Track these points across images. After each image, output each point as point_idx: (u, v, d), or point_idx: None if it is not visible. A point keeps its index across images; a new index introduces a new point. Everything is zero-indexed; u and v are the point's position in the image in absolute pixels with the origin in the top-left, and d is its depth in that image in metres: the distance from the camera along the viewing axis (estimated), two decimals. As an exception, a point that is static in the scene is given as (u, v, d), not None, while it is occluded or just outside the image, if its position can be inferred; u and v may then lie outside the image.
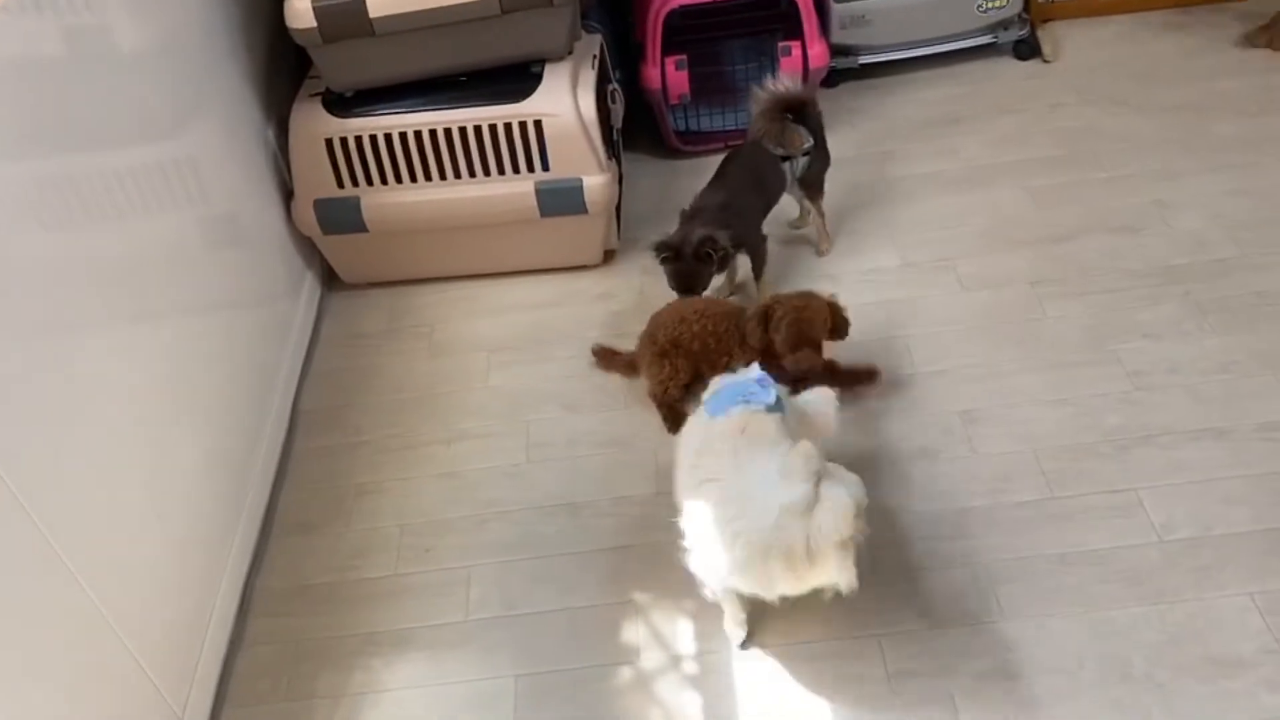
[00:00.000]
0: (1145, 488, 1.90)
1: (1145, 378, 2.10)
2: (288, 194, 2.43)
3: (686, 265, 2.16)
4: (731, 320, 2.09)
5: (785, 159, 2.35)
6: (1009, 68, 3.04)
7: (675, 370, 2.10)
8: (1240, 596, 1.72)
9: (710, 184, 2.31)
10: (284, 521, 2.09)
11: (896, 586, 1.80)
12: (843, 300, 2.05)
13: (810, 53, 2.71)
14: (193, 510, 1.81)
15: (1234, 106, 2.75)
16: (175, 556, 1.73)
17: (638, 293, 2.47)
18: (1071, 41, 3.10)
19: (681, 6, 2.64)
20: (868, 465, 2.00)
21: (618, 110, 2.59)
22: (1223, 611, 1.71)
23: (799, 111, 2.33)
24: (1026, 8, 3.00)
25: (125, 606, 1.55)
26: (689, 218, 2.22)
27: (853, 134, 2.85)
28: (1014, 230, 2.48)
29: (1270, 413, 1.99)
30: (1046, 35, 3.03)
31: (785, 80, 2.29)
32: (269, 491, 2.10)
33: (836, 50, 2.90)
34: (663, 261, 2.19)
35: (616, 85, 2.59)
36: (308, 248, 2.51)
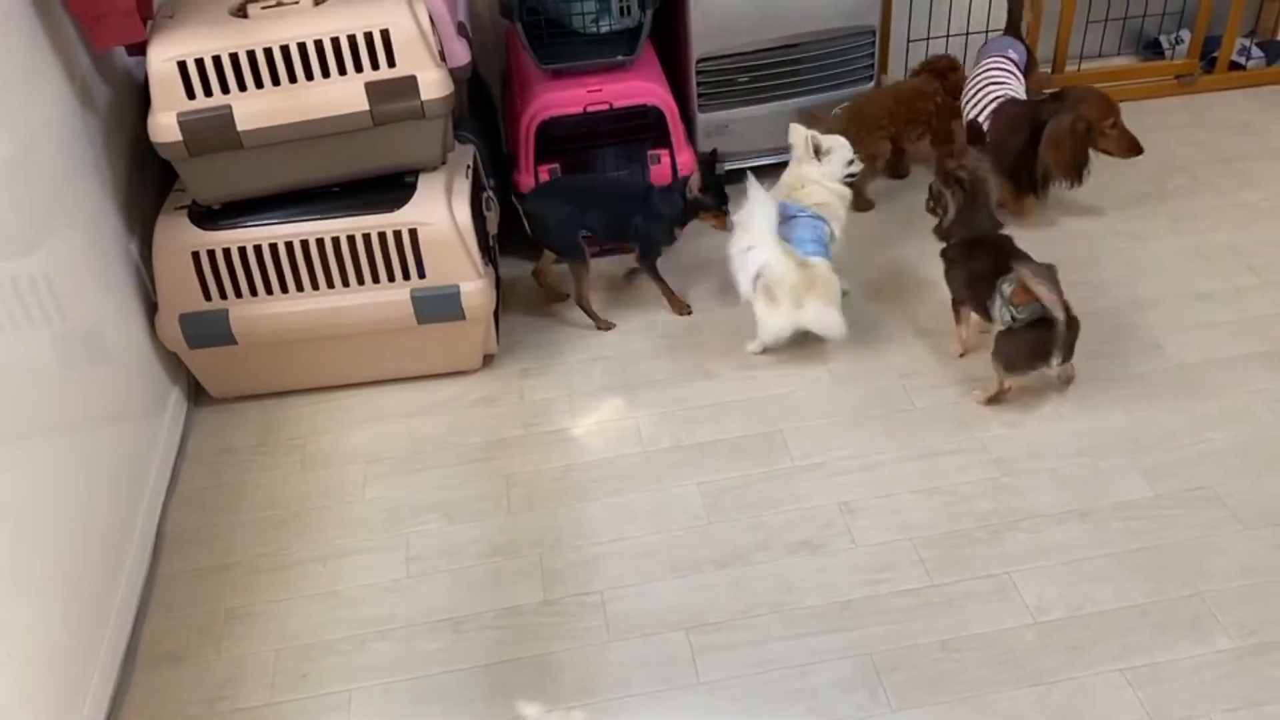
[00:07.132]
0: (1017, 571, 1.97)
1: (1010, 464, 2.19)
2: (151, 307, 2.35)
3: None
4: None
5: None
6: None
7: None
8: (1112, 673, 1.78)
9: None
10: (148, 653, 1.96)
11: (786, 683, 1.80)
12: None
13: (678, 160, 2.80)
14: (44, 649, 1.69)
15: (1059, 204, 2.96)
16: (21, 703, 1.61)
17: (518, 396, 2.46)
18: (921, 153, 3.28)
19: (552, 118, 2.71)
20: (750, 560, 2.02)
21: (493, 217, 2.61)
22: (1097, 689, 1.76)
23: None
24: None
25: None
26: None
27: (719, 236, 2.92)
28: (885, 327, 2.57)
29: (1125, 493, 2.10)
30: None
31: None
32: (131, 622, 1.98)
33: (703, 157, 3.00)
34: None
35: (491, 193, 2.62)
36: (173, 362, 2.43)
